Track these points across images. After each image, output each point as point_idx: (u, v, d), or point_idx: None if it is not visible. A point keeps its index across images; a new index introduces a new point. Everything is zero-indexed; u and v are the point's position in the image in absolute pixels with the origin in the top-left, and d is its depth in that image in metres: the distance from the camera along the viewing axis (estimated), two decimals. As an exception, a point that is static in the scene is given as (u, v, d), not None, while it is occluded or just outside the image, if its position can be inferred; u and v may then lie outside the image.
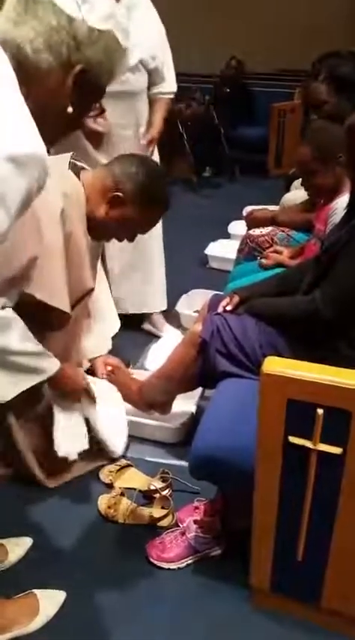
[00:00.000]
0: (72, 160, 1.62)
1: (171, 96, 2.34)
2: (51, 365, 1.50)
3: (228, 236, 3.61)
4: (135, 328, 2.69)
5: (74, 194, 1.52)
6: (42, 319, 1.49)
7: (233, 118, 5.25)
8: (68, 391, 1.64)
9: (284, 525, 1.25)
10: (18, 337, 1.39)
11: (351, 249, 1.34)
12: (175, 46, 7.01)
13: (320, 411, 1.07)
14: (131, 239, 1.76)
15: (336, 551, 1.23)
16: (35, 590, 1.41)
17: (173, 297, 2.79)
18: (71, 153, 1.70)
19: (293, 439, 1.13)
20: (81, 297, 1.61)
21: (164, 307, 2.67)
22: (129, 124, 2.32)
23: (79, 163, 1.66)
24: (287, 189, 3.08)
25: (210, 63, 5.95)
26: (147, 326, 2.68)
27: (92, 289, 1.65)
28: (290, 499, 1.21)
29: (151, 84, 2.33)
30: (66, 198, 1.47)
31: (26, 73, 0.81)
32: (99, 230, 1.62)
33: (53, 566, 1.53)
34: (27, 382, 1.48)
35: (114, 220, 1.60)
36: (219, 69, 5.61)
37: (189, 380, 1.67)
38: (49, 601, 1.41)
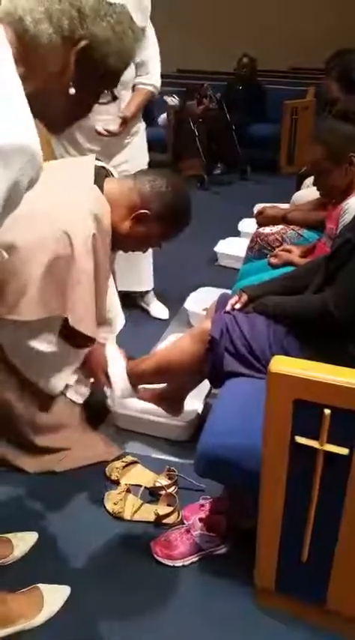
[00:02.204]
0: (96, 164, 1.63)
1: (152, 89, 2.32)
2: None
3: (238, 234, 3.60)
4: (140, 324, 2.70)
5: (103, 215, 1.55)
6: (68, 335, 1.59)
7: (245, 115, 5.23)
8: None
9: (290, 525, 1.25)
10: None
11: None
12: (187, 43, 7.04)
13: (327, 412, 1.06)
14: (145, 251, 1.79)
15: (341, 553, 1.22)
16: (40, 585, 1.42)
17: (182, 294, 2.79)
18: (94, 155, 1.71)
19: (299, 439, 1.12)
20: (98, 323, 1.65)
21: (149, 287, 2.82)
22: (115, 114, 2.29)
23: (103, 166, 1.67)
24: (299, 187, 3.06)
25: (223, 60, 5.94)
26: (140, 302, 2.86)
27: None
28: (296, 499, 1.20)
29: (136, 75, 2.32)
30: (96, 221, 1.50)
31: (26, 48, 0.77)
32: (119, 243, 1.65)
33: (58, 562, 1.53)
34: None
35: (136, 235, 1.62)
36: (232, 67, 5.58)
37: (192, 375, 1.67)
38: (54, 596, 1.41)
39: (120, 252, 1.97)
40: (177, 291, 2.91)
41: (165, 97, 5.23)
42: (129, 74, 2.26)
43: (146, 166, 2.48)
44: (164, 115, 5.22)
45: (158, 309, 2.83)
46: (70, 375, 1.75)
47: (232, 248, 3.25)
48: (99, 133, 2.22)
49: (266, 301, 1.56)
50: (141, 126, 2.49)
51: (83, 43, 0.78)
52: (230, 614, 1.40)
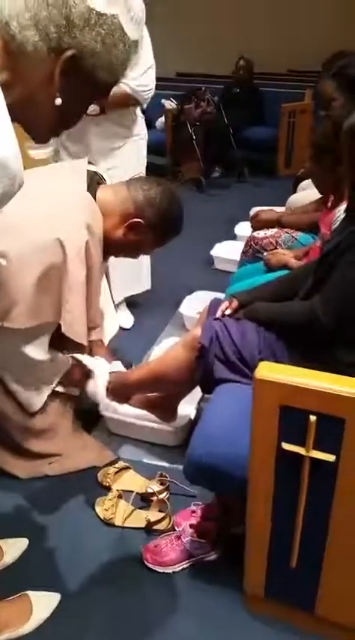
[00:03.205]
0: (89, 169, 1.63)
1: (127, 89, 2.20)
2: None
3: (235, 237, 3.60)
4: (136, 328, 2.70)
5: (96, 224, 1.55)
6: (57, 337, 1.59)
7: (243, 118, 5.23)
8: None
9: (278, 532, 1.24)
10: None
11: (350, 256, 1.32)
12: (186, 47, 7.03)
13: (313, 418, 1.06)
14: (137, 257, 1.79)
15: (330, 560, 1.22)
16: (29, 592, 1.41)
17: (178, 297, 2.79)
18: (86, 159, 1.71)
19: (286, 446, 1.12)
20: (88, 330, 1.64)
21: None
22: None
23: (96, 172, 1.67)
24: (295, 191, 3.06)
25: (221, 64, 5.95)
26: None
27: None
28: (283, 506, 1.20)
29: None
30: (89, 230, 1.50)
31: (11, 54, 0.75)
32: (112, 250, 1.65)
33: (48, 568, 1.52)
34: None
35: (129, 243, 1.62)
36: (230, 70, 5.59)
37: (185, 383, 1.66)
38: (43, 603, 1.41)
39: (119, 261, 1.99)
40: (173, 294, 2.90)
41: (163, 101, 5.24)
42: None
43: (139, 174, 2.46)
44: (162, 119, 5.23)
45: (124, 318, 2.77)
46: (48, 393, 1.75)
47: (228, 251, 3.24)
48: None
49: (256, 308, 1.55)
50: (138, 133, 2.45)
51: (70, 52, 0.76)
52: (220, 621, 1.39)
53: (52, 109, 0.81)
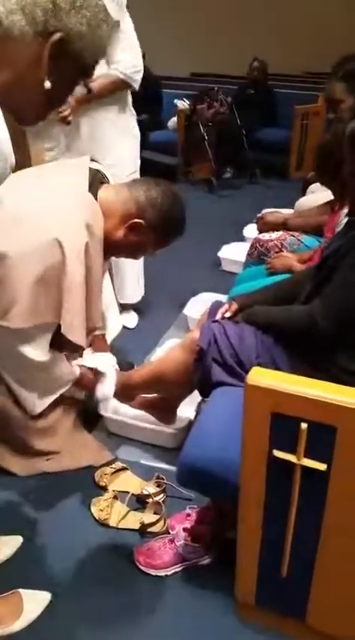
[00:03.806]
0: (92, 167, 1.63)
1: (120, 75, 2.20)
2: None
3: (243, 239, 3.58)
4: (139, 329, 2.69)
5: (96, 225, 1.54)
6: (56, 338, 1.58)
7: (256, 119, 5.21)
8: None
9: (269, 540, 1.23)
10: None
11: (350, 259, 1.31)
12: (201, 47, 7.00)
13: (304, 426, 1.04)
14: (138, 258, 1.78)
15: (321, 569, 1.20)
16: (20, 590, 1.41)
17: (183, 299, 2.77)
18: (88, 157, 1.70)
19: (277, 453, 1.10)
20: (89, 331, 1.63)
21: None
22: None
23: (98, 170, 1.66)
24: (304, 193, 3.04)
25: (237, 64, 5.92)
26: None
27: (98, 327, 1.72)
28: (274, 513, 1.18)
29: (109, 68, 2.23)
30: (89, 230, 1.49)
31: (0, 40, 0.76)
32: (112, 250, 1.64)
33: (41, 567, 1.52)
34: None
35: (129, 244, 1.61)
36: (244, 71, 5.57)
37: (184, 385, 1.66)
38: (34, 602, 1.41)
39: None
40: (178, 295, 2.90)
41: (176, 101, 5.23)
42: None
43: (134, 172, 2.45)
44: (174, 119, 5.23)
45: (128, 318, 2.76)
46: (50, 401, 1.74)
47: (236, 253, 3.22)
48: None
49: (255, 311, 1.54)
50: (131, 132, 2.44)
51: (57, 36, 0.77)
52: (210, 626, 1.38)
53: (40, 92, 0.82)
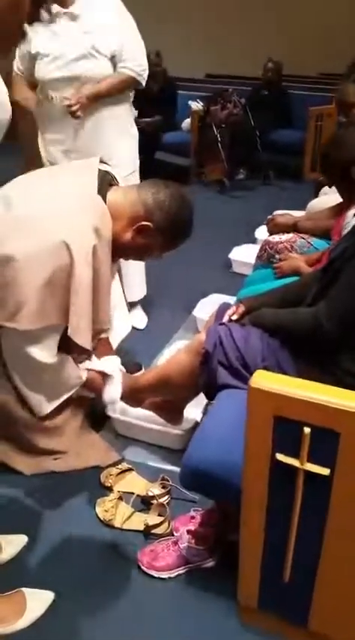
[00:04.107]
0: (101, 169, 1.63)
1: (132, 73, 2.21)
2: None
3: (255, 241, 3.56)
4: (148, 330, 2.69)
5: (105, 227, 1.55)
6: (64, 341, 1.60)
7: (270, 120, 5.18)
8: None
9: (272, 543, 1.22)
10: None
11: (355, 263, 1.29)
12: (217, 49, 6.97)
13: (307, 430, 1.04)
14: (145, 260, 1.78)
15: (323, 574, 1.19)
16: (23, 589, 1.42)
17: (192, 300, 2.77)
18: (98, 158, 1.71)
19: (280, 457, 1.09)
20: (96, 333, 1.63)
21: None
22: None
23: (107, 171, 1.67)
24: (317, 195, 3.02)
25: (249, 66, 5.91)
26: None
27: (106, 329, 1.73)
28: (277, 517, 1.17)
29: (117, 64, 2.23)
30: (97, 233, 1.50)
31: None
32: (120, 252, 1.65)
33: (45, 566, 1.53)
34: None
35: (137, 246, 1.62)
36: (259, 72, 5.55)
37: (190, 387, 1.65)
38: (37, 601, 1.41)
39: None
40: (188, 297, 2.89)
41: (190, 102, 5.23)
42: (89, 72, 2.15)
43: (133, 172, 2.44)
44: (188, 120, 5.22)
45: (138, 318, 2.76)
46: (57, 404, 1.76)
47: (247, 255, 3.21)
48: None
49: (261, 314, 1.53)
50: (131, 131, 2.45)
51: None
52: (212, 629, 1.38)
53: (18, 28, 0.92)
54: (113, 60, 2.17)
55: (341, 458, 1.04)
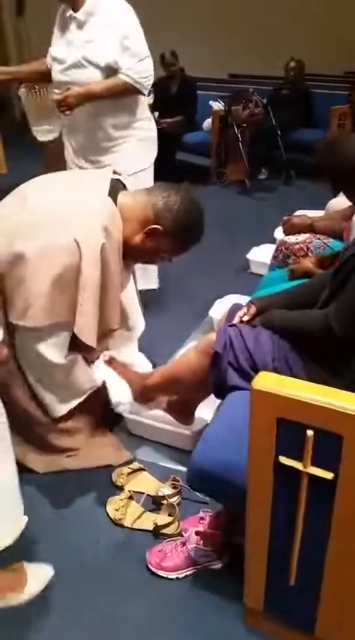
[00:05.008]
0: (113, 177, 1.65)
1: (127, 79, 2.21)
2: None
3: (274, 241, 3.53)
4: (164, 330, 2.69)
5: (115, 229, 1.56)
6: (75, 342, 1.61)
7: (292, 120, 5.14)
8: None
9: (277, 547, 1.21)
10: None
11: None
12: (239, 48, 6.94)
13: (310, 433, 1.02)
14: (157, 263, 1.79)
15: (329, 579, 1.17)
16: (24, 563, 1.46)
17: (210, 301, 2.76)
18: (111, 168, 1.73)
19: (283, 459, 1.09)
20: (104, 333, 1.64)
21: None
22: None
23: (119, 179, 1.68)
24: (335, 195, 2.98)
25: (272, 65, 5.87)
26: None
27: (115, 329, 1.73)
28: (281, 521, 1.16)
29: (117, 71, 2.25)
30: (106, 233, 1.51)
31: None
32: (130, 255, 1.66)
33: (53, 565, 1.53)
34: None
35: (147, 249, 1.62)
36: (282, 71, 5.50)
37: (200, 387, 1.65)
38: (37, 574, 1.46)
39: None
40: (205, 297, 2.88)
41: (211, 102, 5.22)
42: (83, 79, 2.21)
43: (135, 172, 2.42)
44: (209, 120, 5.21)
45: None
46: (72, 405, 1.79)
47: (265, 255, 3.18)
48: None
49: (271, 315, 1.52)
50: (135, 134, 2.43)
51: None
52: (219, 633, 1.37)
53: None
54: (108, 69, 2.22)
55: (344, 462, 1.03)
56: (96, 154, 2.39)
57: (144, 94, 2.34)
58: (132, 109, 2.37)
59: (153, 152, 2.55)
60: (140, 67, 2.22)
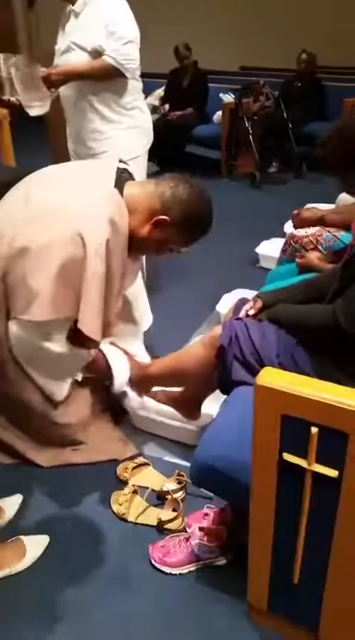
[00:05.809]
0: (119, 166, 1.62)
1: (110, 60, 2.24)
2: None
3: (284, 235, 3.50)
4: (171, 323, 2.67)
5: (121, 221, 1.54)
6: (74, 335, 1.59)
7: (303, 113, 5.08)
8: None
9: (281, 545, 1.19)
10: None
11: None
12: (251, 41, 6.90)
13: (314, 430, 1.00)
14: (161, 255, 1.77)
15: (333, 578, 1.15)
16: (22, 537, 1.52)
17: (217, 295, 2.74)
18: (117, 158, 1.71)
19: (287, 457, 1.06)
20: (104, 326, 1.63)
21: None
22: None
23: (125, 169, 1.66)
24: (343, 189, 2.94)
25: (284, 57, 5.81)
26: None
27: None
28: (285, 518, 1.14)
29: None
30: (113, 226, 1.49)
31: None
32: (137, 247, 1.63)
33: (56, 558, 1.54)
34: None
35: (154, 240, 1.60)
36: (294, 64, 5.44)
37: (204, 382, 1.64)
38: (35, 544, 1.53)
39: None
40: (212, 291, 2.86)
41: (221, 95, 5.18)
42: (77, 57, 2.29)
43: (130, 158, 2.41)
44: (219, 112, 5.17)
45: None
46: (68, 384, 1.77)
47: (274, 249, 3.15)
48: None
49: (278, 310, 1.50)
50: (124, 122, 2.44)
51: None
52: (222, 629, 1.36)
53: None
54: (95, 52, 2.27)
55: (349, 460, 1.01)
56: (86, 140, 2.45)
57: (127, 77, 2.35)
58: (121, 95, 2.39)
59: (142, 141, 2.54)
60: (124, 50, 2.25)
